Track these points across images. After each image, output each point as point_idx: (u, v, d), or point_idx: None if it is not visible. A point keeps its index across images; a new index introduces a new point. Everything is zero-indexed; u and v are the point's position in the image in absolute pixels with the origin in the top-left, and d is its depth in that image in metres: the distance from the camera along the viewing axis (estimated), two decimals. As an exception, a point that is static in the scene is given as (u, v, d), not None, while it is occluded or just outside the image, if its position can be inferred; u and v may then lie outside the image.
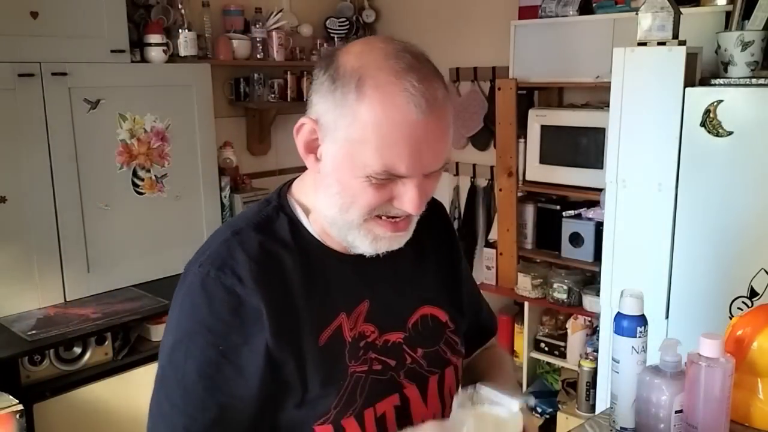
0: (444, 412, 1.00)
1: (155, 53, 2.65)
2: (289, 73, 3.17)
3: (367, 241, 0.90)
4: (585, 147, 2.68)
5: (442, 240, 1.10)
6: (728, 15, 2.17)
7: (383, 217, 0.89)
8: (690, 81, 1.96)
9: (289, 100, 3.16)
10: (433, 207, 1.09)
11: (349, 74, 0.83)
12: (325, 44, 3.47)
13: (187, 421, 0.87)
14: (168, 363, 0.90)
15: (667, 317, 2.05)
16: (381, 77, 0.82)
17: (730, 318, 1.56)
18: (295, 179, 1.00)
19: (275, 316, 0.86)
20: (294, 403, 0.89)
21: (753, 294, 1.88)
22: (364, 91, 0.81)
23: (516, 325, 3.07)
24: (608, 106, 2.11)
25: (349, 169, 0.85)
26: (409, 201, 0.86)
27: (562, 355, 2.86)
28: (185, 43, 2.76)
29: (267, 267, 0.89)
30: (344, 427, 0.91)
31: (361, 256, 0.93)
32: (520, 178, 2.90)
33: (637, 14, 2.01)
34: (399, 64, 0.82)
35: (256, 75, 3.07)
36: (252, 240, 0.90)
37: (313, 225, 0.94)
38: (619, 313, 1.12)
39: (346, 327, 0.92)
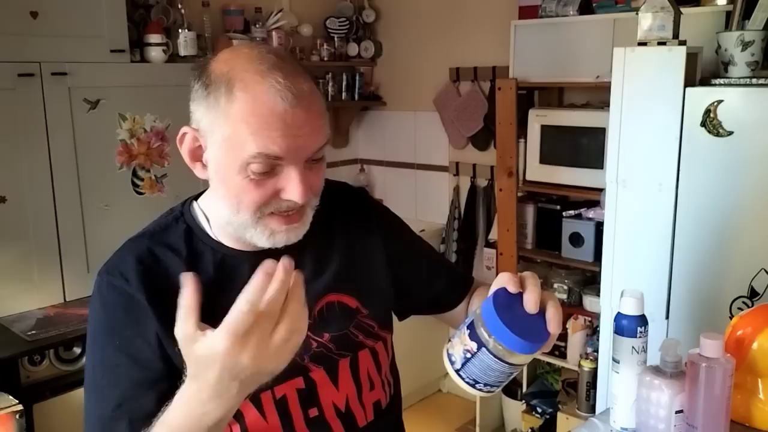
0: (360, 393, 1.06)
1: (155, 53, 2.65)
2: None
3: (264, 237, 0.95)
4: (585, 147, 2.68)
5: (361, 228, 1.13)
6: (728, 15, 2.17)
7: (275, 213, 0.94)
8: (690, 81, 1.96)
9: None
10: (349, 196, 1.17)
11: (219, 79, 0.90)
12: (325, 44, 3.48)
13: (97, 414, 0.94)
14: (86, 364, 0.99)
15: (667, 317, 2.05)
16: (248, 78, 0.88)
17: (730, 318, 1.55)
18: (206, 190, 1.06)
19: (161, 310, 0.93)
20: None
21: (753, 294, 1.88)
22: (233, 92, 0.88)
23: (516, 325, 3.06)
24: (608, 106, 2.11)
25: (230, 167, 0.90)
26: (293, 190, 0.91)
27: (562, 355, 2.86)
28: (185, 42, 2.76)
29: (152, 268, 0.97)
30: (240, 409, 0.95)
31: (263, 254, 0.95)
32: (520, 178, 2.90)
33: (637, 14, 2.01)
34: (264, 65, 0.89)
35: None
36: (142, 246, 0.99)
37: (214, 230, 1.01)
38: (619, 313, 1.12)
39: None
